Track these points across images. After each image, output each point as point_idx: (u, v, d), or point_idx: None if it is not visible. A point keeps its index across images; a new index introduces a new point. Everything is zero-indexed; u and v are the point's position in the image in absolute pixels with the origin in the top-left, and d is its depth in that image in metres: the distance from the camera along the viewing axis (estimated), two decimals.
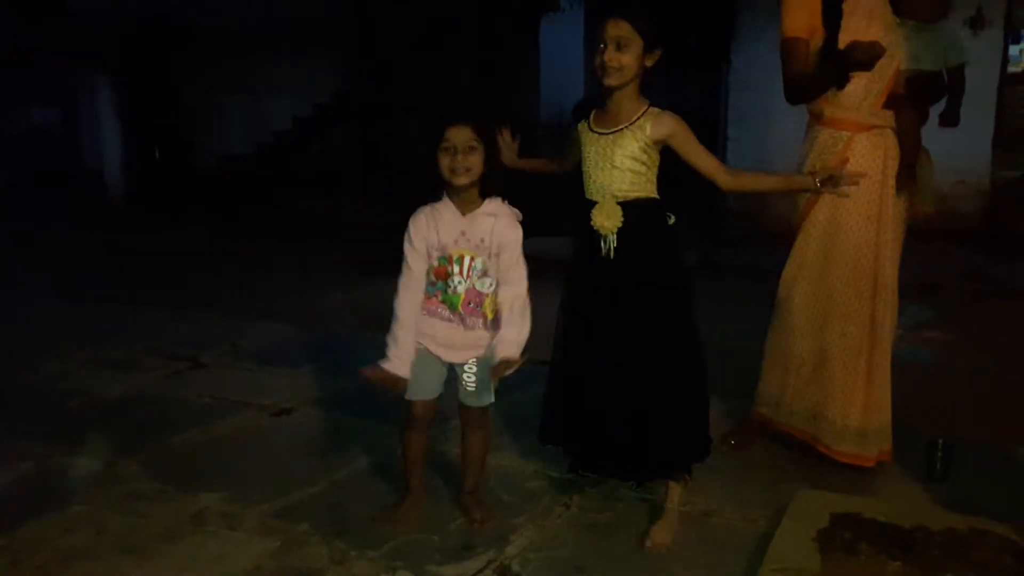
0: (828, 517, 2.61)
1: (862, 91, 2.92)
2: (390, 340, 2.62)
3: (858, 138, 2.94)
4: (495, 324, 2.62)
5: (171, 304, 5.63)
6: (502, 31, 8.97)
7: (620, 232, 2.59)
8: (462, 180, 2.51)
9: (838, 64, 2.83)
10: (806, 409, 3.10)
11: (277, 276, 6.84)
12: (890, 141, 2.98)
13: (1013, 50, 8.64)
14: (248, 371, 4.31)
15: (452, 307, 2.60)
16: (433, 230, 2.58)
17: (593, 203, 2.63)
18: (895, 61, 2.92)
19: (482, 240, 2.56)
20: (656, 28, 2.56)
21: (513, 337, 2.58)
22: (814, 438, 3.09)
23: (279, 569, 2.49)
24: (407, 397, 2.70)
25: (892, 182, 2.97)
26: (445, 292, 2.60)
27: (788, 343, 3.11)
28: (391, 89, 8.83)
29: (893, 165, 2.98)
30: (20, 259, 7.38)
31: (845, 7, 2.87)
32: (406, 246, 2.61)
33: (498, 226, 2.57)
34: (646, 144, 2.56)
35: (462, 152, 2.49)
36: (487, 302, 2.60)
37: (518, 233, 2.60)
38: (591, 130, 2.65)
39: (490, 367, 2.58)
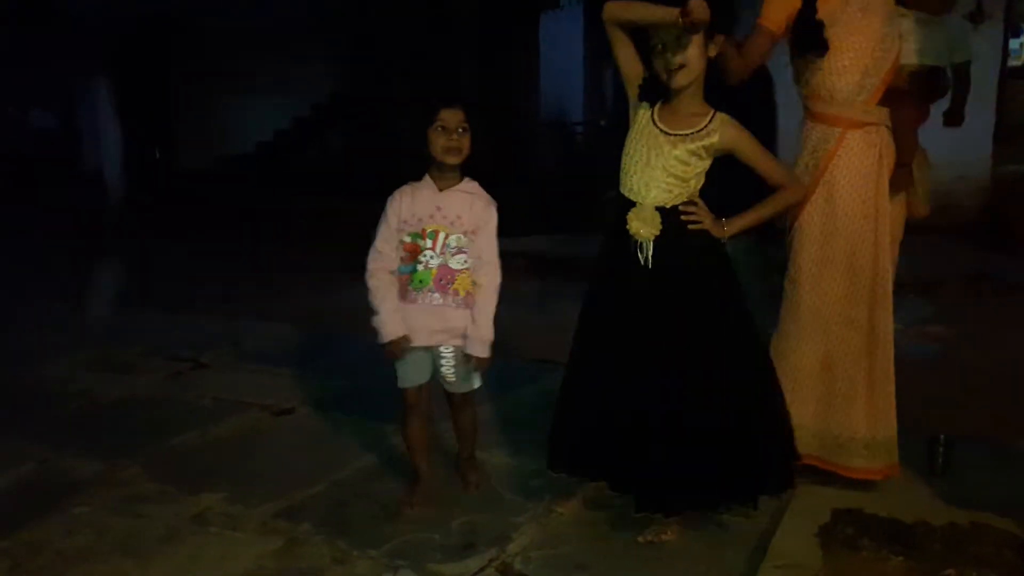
0: (830, 513, 2.61)
1: (855, 87, 2.83)
2: (375, 314, 2.68)
3: (850, 135, 2.86)
4: (467, 302, 2.66)
5: (171, 305, 5.63)
6: (501, 28, 8.96)
7: (658, 240, 2.46)
8: (454, 159, 2.61)
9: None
10: (805, 427, 2.91)
11: (277, 276, 6.84)
12: (885, 139, 2.90)
13: (1013, 43, 8.64)
14: (249, 372, 4.30)
15: (422, 285, 2.63)
16: (409, 204, 2.65)
17: (630, 202, 2.50)
18: (892, 55, 2.82)
19: (458, 216, 2.62)
20: (712, 11, 2.38)
21: (484, 335, 2.65)
22: (820, 459, 2.93)
23: (281, 569, 2.49)
24: (399, 385, 2.77)
25: (887, 181, 2.89)
26: (415, 271, 2.63)
27: (789, 352, 2.95)
28: (389, 89, 8.83)
29: (889, 163, 2.91)
30: (20, 261, 7.39)
31: (830, 3, 2.77)
32: (381, 225, 2.69)
33: (476, 205, 2.64)
34: (707, 149, 2.44)
35: (456, 133, 2.58)
36: (459, 279, 2.64)
37: (493, 213, 2.67)
38: (654, 123, 2.49)
39: (468, 361, 2.70)
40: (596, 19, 2.54)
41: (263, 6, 10.35)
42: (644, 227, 2.46)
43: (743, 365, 2.53)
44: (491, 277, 2.67)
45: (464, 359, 2.72)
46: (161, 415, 3.71)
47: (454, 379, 2.76)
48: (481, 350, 2.67)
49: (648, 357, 2.48)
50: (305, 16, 10.11)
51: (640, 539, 2.57)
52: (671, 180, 2.46)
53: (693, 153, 2.46)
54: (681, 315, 2.48)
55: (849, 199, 2.84)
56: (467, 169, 2.69)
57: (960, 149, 7.93)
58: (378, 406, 3.43)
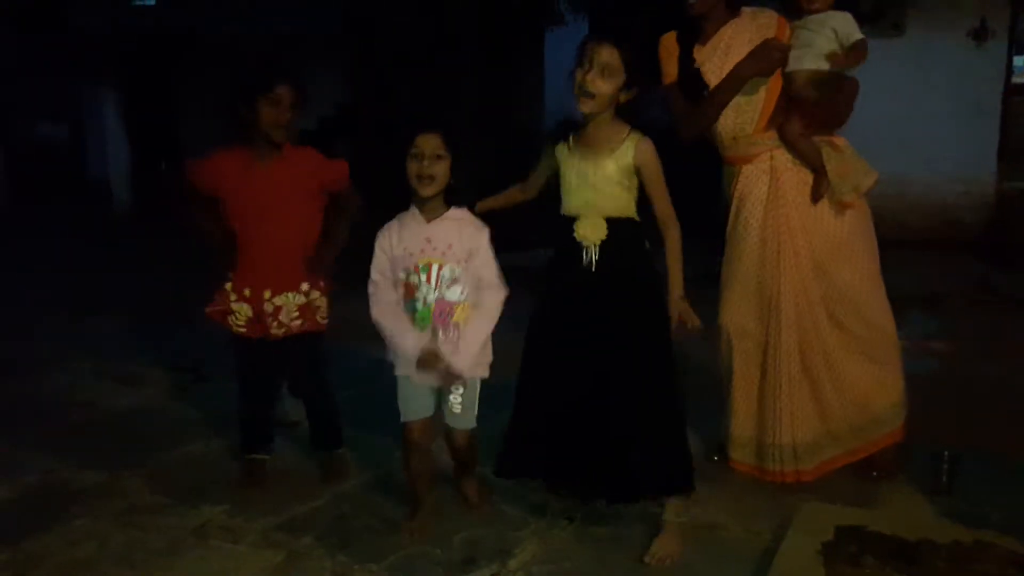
0: (833, 530, 2.60)
1: (733, 125, 2.99)
2: (392, 347, 2.65)
3: (745, 169, 3.04)
4: None
5: (176, 316, 5.63)
6: (506, 44, 9.00)
7: (603, 244, 2.58)
8: (427, 190, 2.53)
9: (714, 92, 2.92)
10: (736, 436, 3.13)
11: None
12: (779, 162, 2.98)
13: (1018, 61, 8.64)
14: None
15: (424, 323, 2.58)
16: (398, 240, 2.60)
17: (573, 218, 2.62)
18: (766, 84, 2.92)
19: (449, 246, 2.57)
20: (641, 66, 2.55)
21: (472, 350, 2.60)
22: (748, 464, 3.11)
23: None
24: (403, 419, 2.72)
25: (785, 202, 2.96)
26: (415, 311, 2.59)
27: (723, 367, 3.15)
28: (395, 103, 8.87)
29: (791, 180, 2.96)
30: (26, 272, 7.40)
31: (700, 54, 2.95)
32: (373, 260, 2.66)
33: (465, 231, 2.59)
34: (627, 168, 2.56)
35: (429, 159, 2.51)
36: (458, 311, 2.59)
37: (485, 236, 2.62)
38: (571, 151, 2.63)
39: (473, 392, 2.70)
40: (584, 40, 2.57)
41: (270, 19, 10.41)
42: (591, 232, 2.57)
43: (654, 372, 2.59)
44: (493, 297, 2.63)
45: (471, 387, 2.70)
46: (163, 427, 3.72)
47: (459, 410, 2.70)
48: (459, 363, 2.57)
49: (585, 356, 2.59)
50: (311, 29, 10.16)
51: (645, 559, 2.56)
52: (606, 197, 2.57)
53: (622, 174, 2.56)
54: (615, 316, 2.58)
55: (747, 226, 3.02)
56: (465, 190, 2.65)
57: (964, 165, 7.98)
58: (381, 419, 3.42)
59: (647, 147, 2.57)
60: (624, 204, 2.60)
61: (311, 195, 2.97)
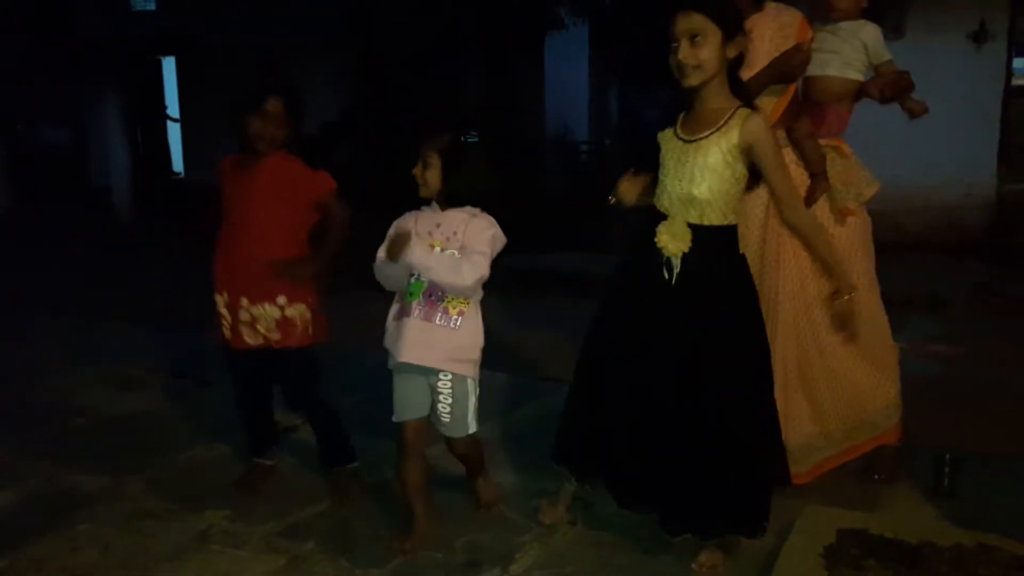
0: (835, 533, 2.60)
1: None
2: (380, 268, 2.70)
3: None
4: (459, 323, 2.61)
5: (178, 321, 5.64)
6: (506, 48, 9.02)
7: (686, 257, 2.41)
8: (422, 192, 2.68)
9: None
10: None
11: None
12: None
13: (1018, 63, 8.65)
14: None
15: (412, 297, 2.62)
16: (411, 222, 2.69)
17: (662, 216, 2.45)
18: (778, 88, 2.87)
19: (455, 233, 2.62)
20: (733, 13, 2.38)
21: (429, 263, 2.57)
22: None
23: None
24: (395, 419, 2.72)
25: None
26: (409, 283, 2.64)
27: None
28: (396, 107, 8.89)
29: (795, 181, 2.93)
30: (27, 277, 7.41)
31: None
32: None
33: (473, 223, 2.63)
34: (731, 151, 2.36)
35: (419, 168, 2.65)
36: (449, 297, 2.60)
37: (489, 231, 2.62)
38: (677, 137, 2.46)
39: (467, 396, 2.66)
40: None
41: (272, 24, 10.43)
42: (673, 241, 2.41)
43: (750, 389, 2.48)
44: (473, 263, 2.54)
45: (462, 391, 2.66)
46: (166, 431, 3.72)
47: (448, 419, 2.67)
48: (415, 252, 2.56)
49: (660, 370, 2.45)
50: (314, 34, 10.19)
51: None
52: (703, 188, 2.39)
53: (725, 161, 2.37)
54: (700, 334, 2.42)
55: (748, 225, 2.92)
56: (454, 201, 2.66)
57: (965, 168, 7.99)
58: (382, 424, 3.42)
59: (756, 122, 2.36)
60: (722, 202, 2.40)
61: (290, 204, 2.93)
